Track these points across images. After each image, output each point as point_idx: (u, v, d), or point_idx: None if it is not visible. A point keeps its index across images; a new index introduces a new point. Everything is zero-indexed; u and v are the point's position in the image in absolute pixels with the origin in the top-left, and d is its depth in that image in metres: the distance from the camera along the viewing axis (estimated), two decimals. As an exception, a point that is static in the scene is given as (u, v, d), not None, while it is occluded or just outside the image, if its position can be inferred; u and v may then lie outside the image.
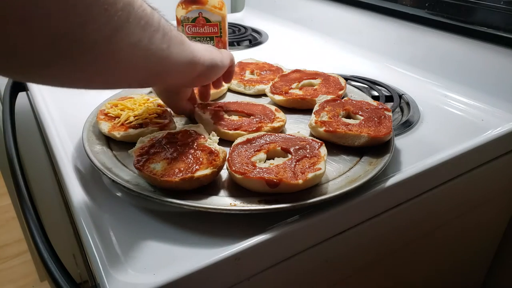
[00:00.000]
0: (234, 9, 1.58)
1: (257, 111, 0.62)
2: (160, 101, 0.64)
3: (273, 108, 0.63)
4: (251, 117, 0.61)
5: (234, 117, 0.61)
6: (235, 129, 0.57)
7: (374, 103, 0.62)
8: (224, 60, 0.55)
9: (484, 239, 0.83)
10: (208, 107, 0.62)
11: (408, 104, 0.73)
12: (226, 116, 0.61)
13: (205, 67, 0.49)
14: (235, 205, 0.44)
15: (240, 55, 0.97)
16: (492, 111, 0.70)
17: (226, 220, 0.45)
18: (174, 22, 0.81)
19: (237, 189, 0.47)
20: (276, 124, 0.59)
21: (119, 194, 0.50)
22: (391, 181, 0.52)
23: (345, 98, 0.64)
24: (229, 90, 0.76)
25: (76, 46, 0.30)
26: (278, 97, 0.67)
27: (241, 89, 0.74)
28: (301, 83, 0.71)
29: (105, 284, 0.38)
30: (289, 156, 0.49)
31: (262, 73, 0.78)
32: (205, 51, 0.49)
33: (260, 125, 0.58)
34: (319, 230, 0.47)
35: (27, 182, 0.65)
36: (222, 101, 0.70)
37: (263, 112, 0.62)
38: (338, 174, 0.51)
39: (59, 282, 0.45)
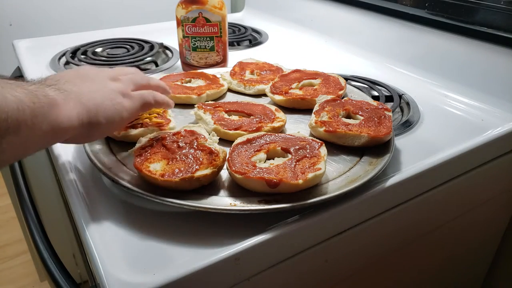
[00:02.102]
0: (234, 9, 1.58)
1: (257, 111, 0.62)
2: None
3: (273, 108, 0.63)
4: (251, 117, 0.61)
5: (234, 117, 0.61)
6: (235, 129, 0.57)
7: (374, 103, 0.62)
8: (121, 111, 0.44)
9: (484, 239, 0.83)
10: (208, 107, 0.62)
11: (408, 104, 0.73)
12: (226, 116, 0.61)
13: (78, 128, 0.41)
14: (235, 205, 0.44)
15: (240, 55, 0.97)
16: (492, 111, 0.70)
17: (226, 220, 0.45)
18: (174, 22, 0.81)
19: (237, 189, 0.47)
20: (276, 124, 0.59)
21: (119, 194, 0.50)
22: (391, 181, 0.52)
23: (345, 98, 0.64)
24: (229, 90, 0.76)
25: None
26: (278, 97, 0.67)
27: (241, 89, 0.74)
28: (301, 83, 0.71)
29: (105, 284, 0.38)
30: (289, 156, 0.49)
31: (262, 73, 0.78)
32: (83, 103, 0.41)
33: (260, 125, 0.58)
34: (319, 230, 0.47)
35: (27, 182, 0.65)
36: (222, 101, 0.70)
37: (263, 112, 0.62)
38: (338, 174, 0.51)
39: (59, 282, 0.45)
